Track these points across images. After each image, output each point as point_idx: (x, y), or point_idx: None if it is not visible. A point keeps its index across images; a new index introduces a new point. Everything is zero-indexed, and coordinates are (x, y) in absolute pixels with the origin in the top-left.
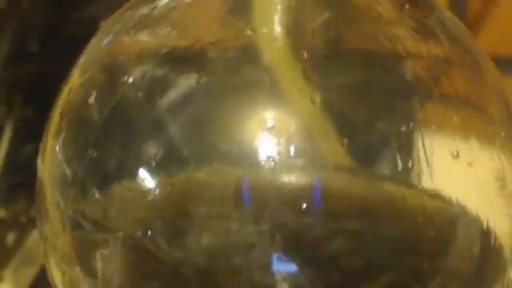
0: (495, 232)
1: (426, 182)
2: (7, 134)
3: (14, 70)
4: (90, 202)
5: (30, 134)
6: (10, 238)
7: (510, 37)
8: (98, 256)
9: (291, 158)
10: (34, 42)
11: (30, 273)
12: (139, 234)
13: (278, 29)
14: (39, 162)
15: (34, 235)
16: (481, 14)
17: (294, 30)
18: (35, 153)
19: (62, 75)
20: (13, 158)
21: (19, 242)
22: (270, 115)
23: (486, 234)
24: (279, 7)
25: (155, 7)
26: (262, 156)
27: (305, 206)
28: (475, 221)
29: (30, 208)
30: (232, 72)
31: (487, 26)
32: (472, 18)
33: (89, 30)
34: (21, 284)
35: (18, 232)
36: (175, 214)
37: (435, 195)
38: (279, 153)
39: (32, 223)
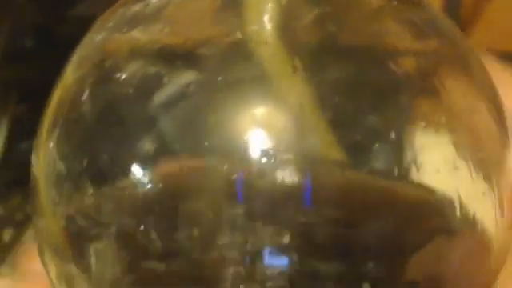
0: (482, 224)
1: (418, 177)
2: (2, 131)
3: (8, 68)
4: (83, 197)
5: (25, 132)
6: (7, 235)
7: (503, 32)
8: (91, 251)
9: (283, 153)
10: (28, 40)
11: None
12: (132, 229)
13: (268, 25)
14: (33, 158)
15: (31, 232)
16: (474, 9)
17: (285, 26)
18: (30, 150)
19: (57, 73)
20: (8, 155)
21: (15, 238)
22: (261, 111)
23: (472, 226)
24: (270, 4)
25: (148, 4)
26: (255, 151)
27: (297, 200)
28: (462, 213)
29: (26, 205)
30: (223, 69)
31: (480, 21)
32: (465, 13)
33: (83, 28)
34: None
35: (15, 229)
36: (168, 209)
37: (426, 190)
38: (271, 148)
39: (28, 220)
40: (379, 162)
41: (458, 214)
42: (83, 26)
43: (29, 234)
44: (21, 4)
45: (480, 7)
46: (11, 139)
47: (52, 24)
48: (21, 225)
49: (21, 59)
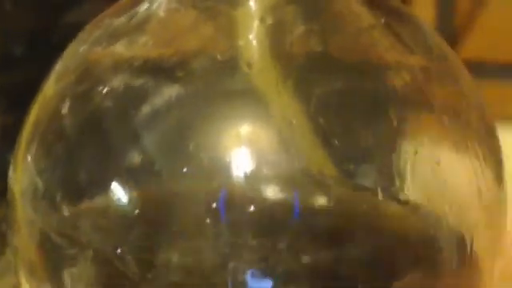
0: (472, 243)
1: (408, 194)
2: None
3: None
4: (60, 216)
5: (12, 141)
6: None
7: (497, 41)
8: (67, 272)
9: (269, 172)
10: (18, 48)
11: (11, 281)
12: (109, 250)
13: (255, 41)
14: (11, 171)
15: None
16: (468, 18)
17: (272, 42)
18: None
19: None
20: None
21: (0, 250)
22: (248, 127)
23: (463, 245)
24: (256, 20)
25: (134, 15)
26: (239, 170)
27: (282, 220)
28: (454, 232)
29: None
30: (209, 84)
31: (475, 30)
32: (459, 22)
33: (74, 35)
34: None
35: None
36: (147, 230)
37: (416, 207)
38: (257, 166)
39: None
40: (370, 179)
41: (445, 230)
42: (75, 34)
43: None
44: (10, 12)
45: (474, 15)
46: None
47: (43, 32)
48: (6, 236)
49: (9, 67)
